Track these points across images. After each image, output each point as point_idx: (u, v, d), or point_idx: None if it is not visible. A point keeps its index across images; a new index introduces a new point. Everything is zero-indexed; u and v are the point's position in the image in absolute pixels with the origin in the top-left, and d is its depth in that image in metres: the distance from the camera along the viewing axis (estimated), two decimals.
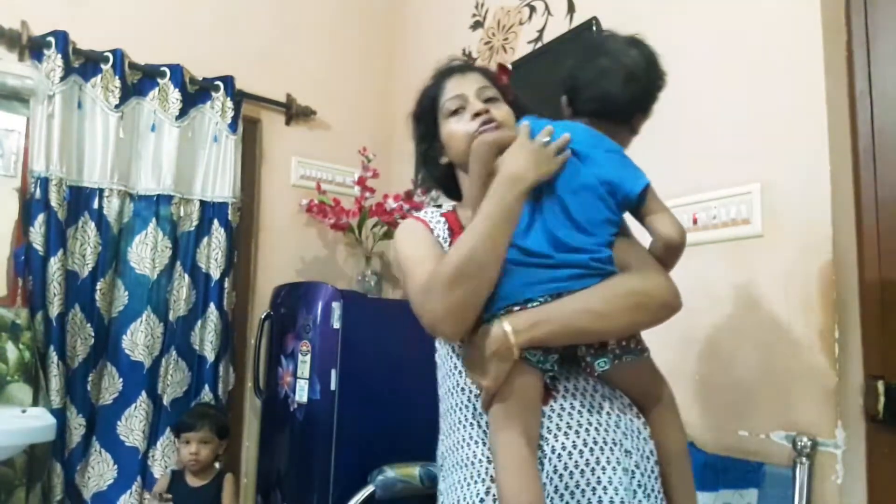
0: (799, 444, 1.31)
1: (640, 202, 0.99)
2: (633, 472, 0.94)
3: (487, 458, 0.96)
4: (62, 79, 2.18)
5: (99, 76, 2.27)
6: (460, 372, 1.03)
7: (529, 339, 0.90)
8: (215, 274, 2.43)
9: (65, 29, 2.19)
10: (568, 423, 0.95)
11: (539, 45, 2.19)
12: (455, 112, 1.12)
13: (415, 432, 2.28)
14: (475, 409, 1.00)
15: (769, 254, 1.45)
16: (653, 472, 0.98)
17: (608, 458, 0.93)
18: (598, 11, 1.91)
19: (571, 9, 2.07)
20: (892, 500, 1.26)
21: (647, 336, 1.66)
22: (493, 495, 0.93)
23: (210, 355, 2.41)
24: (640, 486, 0.95)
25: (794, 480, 1.29)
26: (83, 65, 2.26)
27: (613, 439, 0.95)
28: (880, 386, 1.27)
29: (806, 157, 1.40)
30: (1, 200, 2.14)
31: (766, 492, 1.34)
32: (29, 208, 2.12)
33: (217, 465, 2.21)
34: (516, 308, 0.92)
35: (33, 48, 2.19)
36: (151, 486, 2.24)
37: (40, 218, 2.10)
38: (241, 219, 2.59)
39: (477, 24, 2.54)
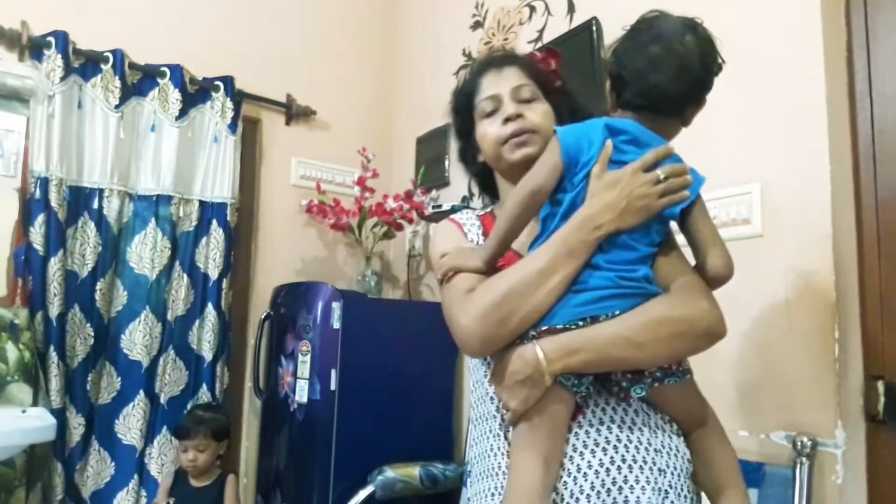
0: (799, 444, 1.31)
1: (685, 214, 0.94)
2: (666, 491, 0.89)
3: (504, 472, 0.95)
4: (62, 79, 2.18)
5: (99, 76, 2.27)
6: (492, 398, 1.00)
7: (563, 367, 0.85)
8: (213, 274, 2.43)
9: (65, 29, 2.19)
10: (596, 439, 0.90)
11: (539, 45, 2.19)
12: (490, 114, 1.08)
13: (415, 432, 2.29)
14: (503, 420, 0.97)
15: (769, 254, 1.45)
16: (689, 492, 0.93)
17: (637, 476, 0.88)
18: (598, 11, 1.91)
19: (571, 9, 2.07)
20: (892, 500, 1.26)
21: None
22: None
23: (208, 355, 2.41)
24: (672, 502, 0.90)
25: (794, 480, 1.29)
26: (83, 65, 2.26)
27: (644, 458, 0.89)
28: (880, 386, 1.27)
29: (806, 157, 1.40)
30: (1, 200, 2.14)
31: (766, 492, 1.34)
32: (29, 208, 2.12)
33: (218, 463, 2.21)
34: (546, 328, 0.87)
35: (33, 48, 2.19)
36: (148, 484, 2.25)
37: (40, 218, 2.10)
38: (242, 219, 2.59)
39: (477, 24, 2.54)
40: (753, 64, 1.52)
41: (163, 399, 2.32)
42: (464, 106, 1.14)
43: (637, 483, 0.88)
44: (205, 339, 2.42)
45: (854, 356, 1.32)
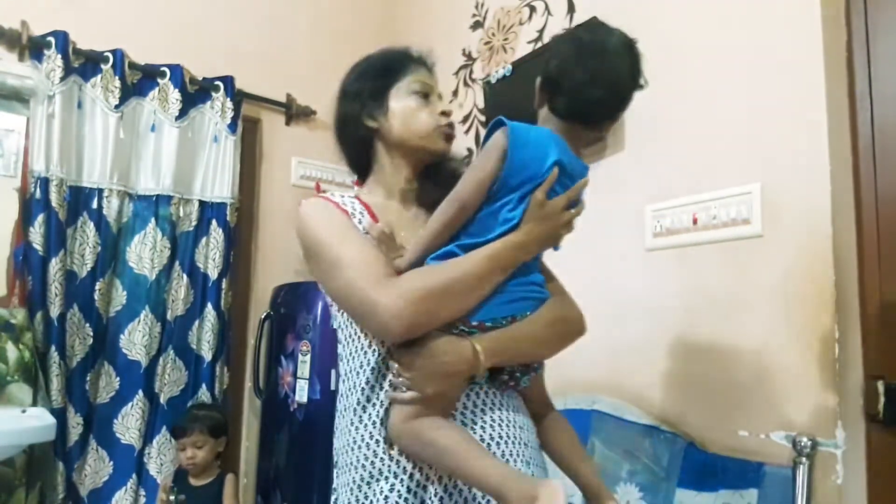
0: (799, 444, 1.31)
1: None
2: (528, 462, 0.99)
3: (390, 455, 0.95)
4: (62, 79, 2.18)
5: (99, 76, 2.27)
6: (372, 369, 0.99)
7: (492, 364, 0.93)
8: (213, 274, 2.43)
9: (65, 29, 2.19)
10: (475, 420, 0.97)
11: (539, 45, 2.19)
12: (424, 95, 1.11)
13: None
14: (374, 406, 0.98)
15: (769, 254, 1.45)
16: (541, 462, 1.05)
17: (511, 450, 0.97)
18: (598, 11, 1.90)
19: (571, 9, 2.07)
20: (892, 500, 1.26)
21: (647, 336, 1.67)
22: (398, 491, 0.93)
23: (207, 355, 2.41)
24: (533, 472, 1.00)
25: (794, 480, 1.29)
26: (83, 65, 2.26)
27: (514, 434, 0.99)
28: (880, 386, 1.27)
29: (806, 157, 1.40)
30: (1, 200, 2.14)
31: (766, 492, 1.34)
32: (29, 208, 2.12)
33: (218, 462, 2.21)
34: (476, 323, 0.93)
35: (33, 48, 2.19)
36: (147, 484, 2.25)
37: (40, 218, 2.10)
38: (242, 219, 2.59)
39: (477, 24, 2.54)
40: (753, 64, 1.53)
41: (162, 399, 2.33)
42: (383, 73, 1.12)
43: (511, 456, 0.96)
44: (204, 339, 2.42)
45: (854, 356, 1.32)
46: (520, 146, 0.91)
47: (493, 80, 2.23)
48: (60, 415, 2.08)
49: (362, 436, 0.97)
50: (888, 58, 1.34)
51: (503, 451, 0.95)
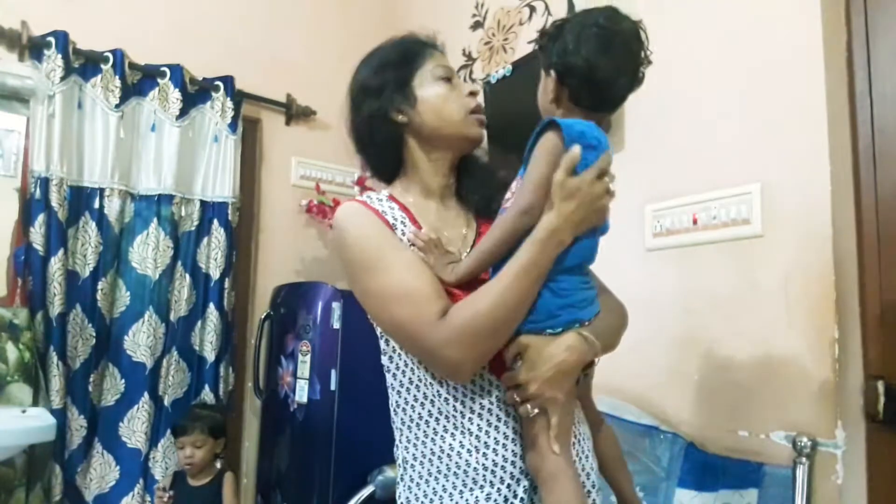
0: (799, 444, 1.31)
1: None
2: (588, 474, 1.00)
3: (483, 465, 0.92)
4: (62, 79, 2.18)
5: (99, 76, 2.27)
6: (440, 382, 0.95)
7: (601, 349, 0.92)
8: (215, 274, 2.43)
9: (65, 29, 2.19)
10: (581, 436, 1.00)
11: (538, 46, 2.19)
12: (448, 80, 1.04)
13: None
14: (462, 415, 0.94)
15: (769, 254, 1.45)
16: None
17: (586, 465, 0.99)
18: None
19: (571, 9, 2.07)
20: (892, 500, 1.26)
21: (647, 336, 1.67)
22: (495, 500, 0.91)
23: (210, 356, 2.41)
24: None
25: (794, 480, 1.29)
26: (83, 65, 2.26)
27: (590, 447, 1.03)
28: (880, 386, 1.27)
29: (806, 157, 1.40)
30: (1, 200, 2.14)
31: (766, 492, 1.34)
32: (29, 208, 2.12)
33: (218, 463, 2.21)
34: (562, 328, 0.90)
35: (33, 48, 2.18)
36: (152, 488, 2.24)
37: (40, 218, 2.10)
38: (242, 219, 2.59)
39: (477, 25, 2.54)
40: (754, 64, 1.53)
41: (166, 401, 2.32)
42: (407, 61, 1.04)
43: (591, 470, 1.00)
44: (207, 339, 2.42)
45: (854, 356, 1.32)
46: (575, 141, 0.87)
47: (493, 81, 2.23)
48: (61, 415, 2.08)
49: (451, 444, 0.94)
50: (888, 58, 1.34)
51: (583, 466, 0.97)
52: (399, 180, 1.09)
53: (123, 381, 2.26)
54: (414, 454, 0.99)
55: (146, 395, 2.26)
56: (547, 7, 2.19)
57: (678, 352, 1.62)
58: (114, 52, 2.28)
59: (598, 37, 0.91)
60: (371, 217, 0.99)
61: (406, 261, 0.93)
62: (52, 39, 2.17)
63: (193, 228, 2.42)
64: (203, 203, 2.46)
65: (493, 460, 0.92)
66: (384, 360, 1.05)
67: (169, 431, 2.29)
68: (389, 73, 1.04)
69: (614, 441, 1.15)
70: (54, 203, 2.12)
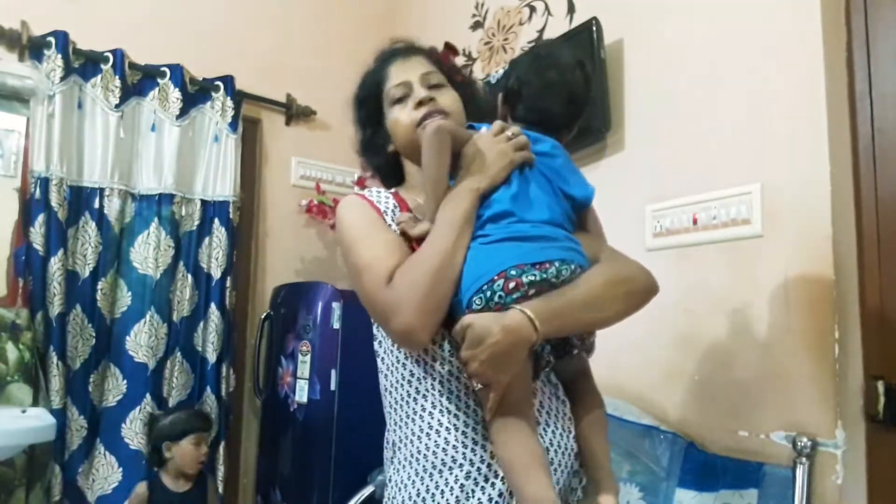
0: (799, 444, 1.31)
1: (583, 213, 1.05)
2: (573, 451, 1.01)
3: (462, 443, 0.94)
4: (62, 79, 2.18)
5: (99, 76, 2.27)
6: (414, 361, 0.99)
7: (547, 331, 0.87)
8: (216, 274, 2.43)
9: (65, 29, 2.19)
10: (547, 415, 0.98)
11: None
12: (400, 100, 1.09)
13: None
14: (441, 394, 0.96)
15: (769, 254, 1.45)
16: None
17: (559, 442, 0.98)
18: (598, 12, 1.91)
19: (571, 9, 2.07)
20: (892, 500, 1.26)
21: (647, 336, 1.67)
22: (475, 479, 0.92)
23: (212, 356, 2.41)
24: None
25: (794, 480, 1.29)
26: (83, 65, 2.26)
27: (564, 425, 1.00)
28: (880, 386, 1.27)
29: (806, 157, 1.40)
30: (1, 200, 2.14)
31: (766, 492, 1.34)
32: (29, 208, 2.12)
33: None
34: (514, 273, 0.88)
35: (33, 48, 2.19)
36: None
37: (40, 218, 2.10)
38: (242, 219, 2.59)
39: (477, 25, 2.54)
40: (753, 64, 1.53)
41: (170, 403, 2.31)
42: (372, 94, 1.14)
43: (560, 449, 0.98)
44: (209, 339, 2.42)
45: (854, 356, 1.32)
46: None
47: (493, 81, 2.23)
48: (61, 415, 2.07)
49: (428, 424, 0.96)
50: (888, 58, 1.34)
51: (551, 441, 0.96)
52: (406, 184, 1.18)
53: (125, 381, 2.25)
54: (400, 436, 1.01)
55: (148, 396, 2.26)
56: (547, 7, 2.19)
57: (678, 352, 1.62)
58: (114, 52, 2.29)
59: (530, 59, 1.08)
60: (362, 205, 1.06)
61: (383, 240, 0.98)
62: (52, 39, 2.17)
63: (195, 228, 2.42)
64: (204, 203, 2.46)
65: (473, 438, 0.94)
66: (374, 345, 1.09)
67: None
68: (364, 108, 1.16)
69: (594, 413, 1.07)
70: (54, 203, 2.12)
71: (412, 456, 0.98)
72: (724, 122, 1.58)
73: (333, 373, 2.17)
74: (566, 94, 1.03)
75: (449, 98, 1.09)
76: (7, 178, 2.16)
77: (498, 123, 1.00)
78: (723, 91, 1.59)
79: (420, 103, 1.06)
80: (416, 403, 0.99)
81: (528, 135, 1.00)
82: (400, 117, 1.08)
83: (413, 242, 0.98)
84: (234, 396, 2.54)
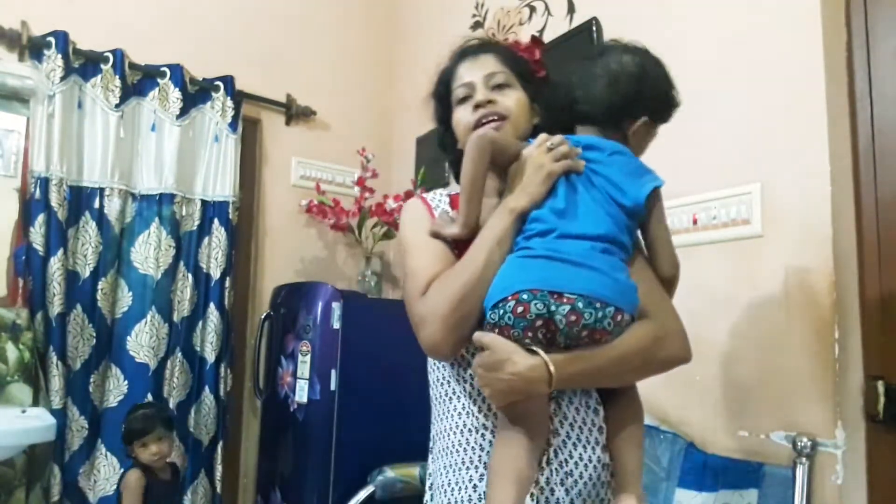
0: (799, 444, 1.31)
1: (647, 212, 0.99)
2: (605, 465, 0.99)
3: (480, 445, 0.98)
4: (62, 79, 2.18)
5: (99, 76, 2.27)
6: (444, 365, 1.05)
7: (562, 387, 0.89)
8: (216, 274, 2.43)
9: (65, 29, 2.19)
10: (570, 427, 0.97)
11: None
12: (463, 100, 1.09)
13: (414, 432, 2.28)
14: (469, 396, 1.01)
15: (769, 254, 1.45)
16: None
17: (588, 455, 0.97)
18: (598, 12, 1.91)
19: (571, 9, 2.07)
20: (892, 500, 1.26)
21: None
22: (487, 481, 0.93)
23: (210, 356, 2.41)
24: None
25: (794, 480, 1.29)
26: (83, 65, 2.26)
27: (593, 420, 0.99)
28: (880, 386, 1.27)
29: (806, 157, 1.40)
30: (1, 200, 2.15)
31: (766, 492, 1.34)
32: (29, 208, 2.12)
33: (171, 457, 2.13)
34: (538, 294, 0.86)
35: (33, 48, 2.19)
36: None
37: (40, 218, 2.10)
38: (242, 219, 2.59)
39: (477, 25, 2.53)
40: (754, 64, 1.53)
41: (171, 403, 2.31)
42: (442, 93, 1.14)
43: (580, 459, 0.97)
44: (207, 340, 2.42)
45: (854, 356, 1.32)
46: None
47: None
48: (61, 416, 2.07)
49: (456, 423, 1.01)
50: (888, 58, 1.34)
51: (581, 454, 0.96)
52: None
53: (126, 382, 2.25)
54: (437, 430, 1.07)
55: (149, 396, 2.26)
56: (547, 7, 2.19)
57: None
58: (114, 52, 2.29)
59: (583, 61, 1.06)
60: (419, 208, 1.10)
61: (432, 247, 1.01)
62: (52, 39, 2.18)
63: (195, 228, 2.42)
64: (204, 202, 2.46)
65: (491, 441, 0.97)
66: None
67: (175, 435, 2.21)
68: (437, 106, 1.17)
69: (631, 410, 1.03)
70: (54, 203, 2.12)
71: (444, 450, 1.03)
72: (724, 122, 1.58)
73: (333, 373, 2.17)
74: (607, 80, 0.99)
75: (511, 99, 1.07)
76: (7, 178, 2.16)
77: (542, 136, 0.99)
78: (723, 91, 1.59)
79: (477, 105, 1.06)
80: (450, 403, 1.04)
81: (581, 141, 0.98)
82: (461, 118, 1.09)
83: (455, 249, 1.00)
84: (234, 396, 2.54)
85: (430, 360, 1.09)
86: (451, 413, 1.03)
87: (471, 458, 0.98)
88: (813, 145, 1.38)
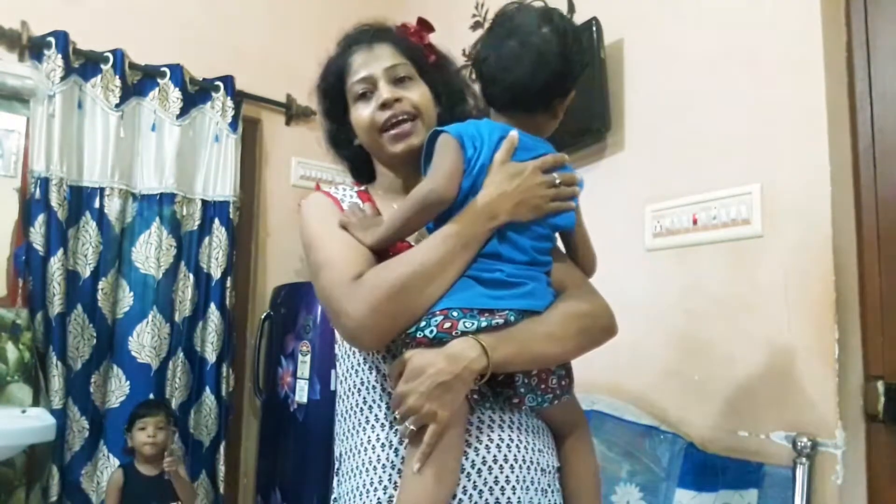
0: (799, 444, 1.31)
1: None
2: (544, 490, 0.90)
3: (391, 463, 0.87)
4: (62, 79, 2.18)
5: (99, 76, 2.27)
6: (370, 367, 0.94)
7: (498, 358, 0.80)
8: (216, 273, 2.43)
9: (65, 29, 2.19)
10: (489, 436, 0.86)
11: None
12: (363, 96, 1.01)
13: None
14: (380, 408, 0.91)
15: (769, 254, 1.45)
16: (559, 490, 0.95)
17: (522, 476, 0.86)
18: (598, 12, 1.91)
19: (571, 9, 2.07)
20: (892, 500, 1.26)
21: (647, 336, 1.67)
22: None
23: (211, 356, 2.41)
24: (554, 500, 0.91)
25: (794, 480, 1.29)
26: (83, 65, 2.26)
27: (530, 458, 0.88)
28: (880, 386, 1.27)
29: (806, 157, 1.40)
30: (1, 200, 2.14)
31: (766, 492, 1.34)
32: (29, 208, 2.12)
33: (167, 454, 2.10)
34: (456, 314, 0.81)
35: (33, 48, 2.19)
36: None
37: (40, 218, 2.10)
38: (242, 219, 2.59)
39: (477, 25, 2.53)
40: (753, 64, 1.53)
41: (174, 404, 2.31)
42: (334, 87, 1.07)
43: (520, 483, 0.86)
44: (208, 340, 2.42)
45: (854, 356, 1.32)
46: (467, 137, 0.88)
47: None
48: (61, 416, 2.07)
49: (369, 437, 0.91)
50: (888, 58, 1.34)
51: (508, 476, 0.85)
52: (376, 183, 1.12)
53: (128, 382, 2.25)
54: (343, 449, 0.96)
55: (151, 397, 2.25)
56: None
57: (678, 352, 1.62)
58: (114, 52, 2.29)
59: (487, 32, 0.93)
60: (324, 202, 1.02)
61: (343, 236, 0.92)
62: (52, 39, 2.17)
63: (195, 228, 2.42)
64: (204, 202, 2.46)
65: (403, 458, 0.86)
66: (335, 348, 1.06)
67: (176, 436, 2.23)
68: (328, 99, 1.10)
69: (585, 467, 0.98)
70: (54, 203, 2.12)
71: (351, 471, 0.92)
72: (725, 122, 1.58)
73: (333, 373, 2.17)
74: (532, 60, 0.87)
75: (417, 94, 1.01)
76: (7, 178, 2.16)
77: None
78: (723, 91, 1.59)
79: (384, 105, 0.99)
80: (362, 414, 0.93)
81: (514, 139, 0.89)
82: (363, 116, 1.01)
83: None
84: (234, 396, 2.54)
85: (343, 367, 1.00)
86: (364, 426, 0.92)
87: (379, 477, 0.87)
88: (813, 145, 1.38)
